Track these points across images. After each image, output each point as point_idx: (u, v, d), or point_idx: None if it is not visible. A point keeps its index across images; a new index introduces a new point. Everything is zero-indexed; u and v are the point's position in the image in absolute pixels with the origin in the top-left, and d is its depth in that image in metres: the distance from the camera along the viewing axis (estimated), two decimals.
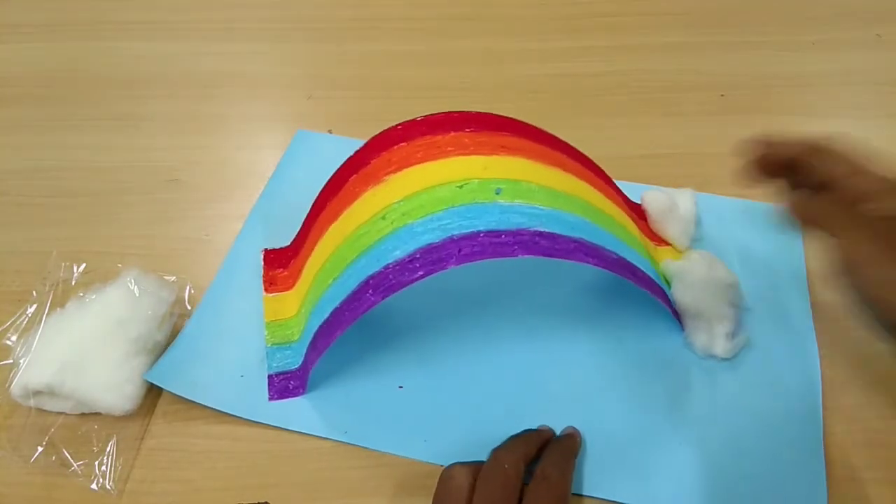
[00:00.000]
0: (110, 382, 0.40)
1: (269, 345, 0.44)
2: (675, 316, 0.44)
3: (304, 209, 0.46)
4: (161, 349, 0.43)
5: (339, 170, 0.44)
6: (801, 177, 0.36)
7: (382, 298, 0.36)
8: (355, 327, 0.37)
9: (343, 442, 0.40)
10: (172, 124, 0.60)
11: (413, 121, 0.42)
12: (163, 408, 0.42)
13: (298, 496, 0.39)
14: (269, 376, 0.42)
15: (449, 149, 0.40)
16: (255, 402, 0.41)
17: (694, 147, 0.57)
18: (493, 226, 0.36)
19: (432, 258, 0.35)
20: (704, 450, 0.39)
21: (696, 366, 0.43)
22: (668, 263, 0.45)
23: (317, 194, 0.45)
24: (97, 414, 0.41)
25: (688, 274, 0.44)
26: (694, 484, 0.38)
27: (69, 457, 0.39)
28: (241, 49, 0.67)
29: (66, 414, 0.41)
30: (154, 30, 0.69)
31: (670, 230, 0.48)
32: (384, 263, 0.37)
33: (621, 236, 0.42)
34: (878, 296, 0.32)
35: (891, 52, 0.66)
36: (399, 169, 0.40)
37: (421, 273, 0.35)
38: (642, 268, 0.41)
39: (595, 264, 0.37)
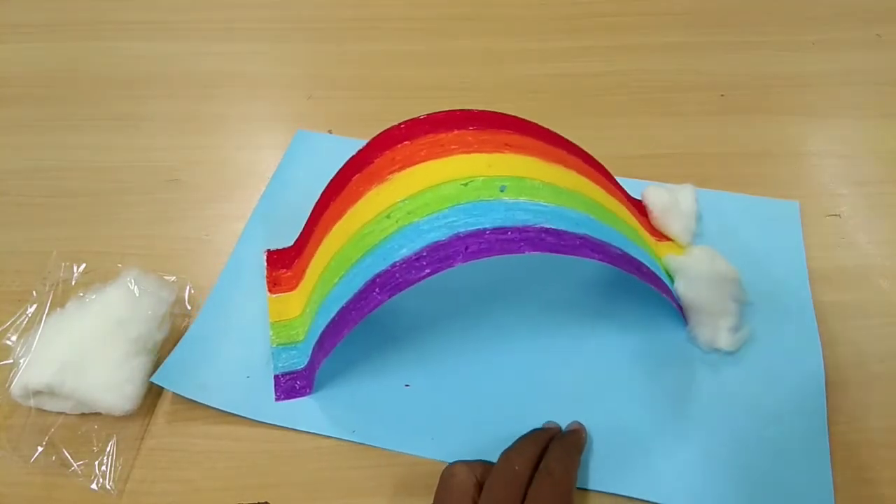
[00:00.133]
0: (110, 382, 0.40)
1: (274, 345, 0.43)
2: (679, 310, 0.44)
3: (306, 209, 0.46)
4: (161, 349, 0.43)
5: (341, 169, 0.44)
6: None
7: (390, 297, 0.36)
8: (361, 327, 0.37)
9: (350, 441, 0.40)
10: (172, 124, 0.59)
11: (416, 119, 0.42)
12: (163, 408, 0.42)
13: (298, 496, 0.39)
14: (276, 377, 0.42)
15: (452, 147, 0.40)
16: (261, 402, 0.41)
17: (694, 147, 0.57)
18: (498, 223, 0.36)
19: (439, 256, 0.35)
20: (709, 443, 0.40)
21: (700, 360, 0.43)
22: (670, 259, 0.46)
23: (318, 194, 0.45)
24: (97, 414, 0.41)
25: (690, 269, 0.44)
26: (699, 477, 0.38)
27: (69, 457, 0.39)
28: (241, 49, 0.67)
29: (66, 414, 0.41)
30: (154, 30, 0.69)
31: (672, 226, 0.48)
32: (391, 262, 0.37)
33: (625, 232, 0.42)
34: None
35: (891, 52, 0.66)
36: (403, 167, 0.40)
37: (428, 271, 0.35)
38: (646, 263, 0.41)
39: (600, 260, 0.37)
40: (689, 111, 0.60)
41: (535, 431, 0.39)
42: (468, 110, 0.42)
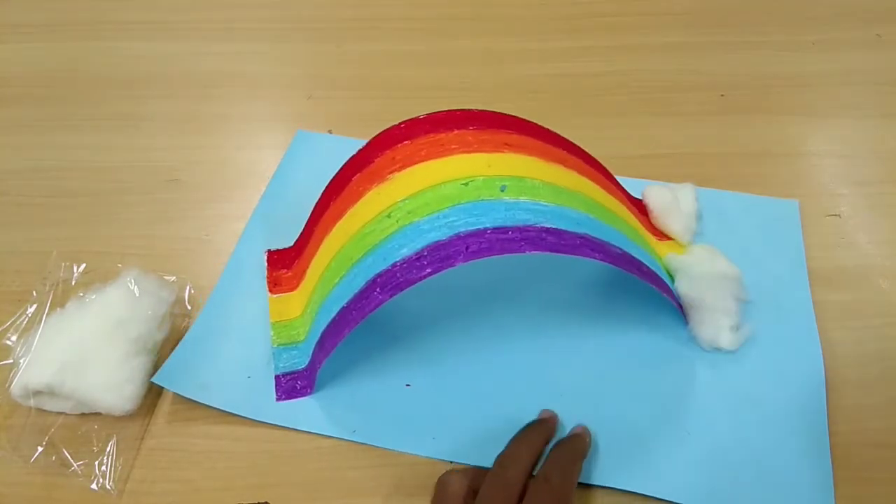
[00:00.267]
0: (110, 382, 0.40)
1: (275, 345, 0.44)
2: (680, 309, 0.44)
3: (306, 210, 0.46)
4: (161, 349, 0.43)
5: (341, 169, 0.44)
6: None
7: (391, 296, 0.36)
8: (362, 327, 0.37)
9: (350, 441, 0.40)
10: (172, 124, 0.59)
11: (416, 119, 0.42)
12: (163, 408, 0.42)
13: (298, 496, 0.39)
14: (277, 377, 0.42)
15: (453, 146, 0.40)
16: (262, 402, 0.41)
17: (694, 147, 0.57)
18: (499, 222, 0.36)
19: (440, 255, 0.36)
20: (710, 441, 0.40)
21: (701, 358, 0.43)
22: (670, 258, 0.46)
23: (318, 194, 0.45)
24: (97, 414, 0.41)
25: (691, 268, 0.45)
26: (699, 474, 0.38)
27: (69, 457, 0.39)
28: (241, 49, 0.67)
29: (66, 414, 0.41)
30: (154, 30, 0.69)
31: (672, 225, 0.48)
32: (391, 262, 0.37)
33: (625, 231, 0.42)
34: None
35: (891, 52, 0.66)
36: (403, 167, 0.40)
37: (429, 270, 0.35)
38: (646, 262, 0.41)
39: (601, 259, 0.37)
40: (689, 111, 0.60)
41: (528, 430, 0.38)
42: (468, 110, 0.42)
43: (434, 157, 0.40)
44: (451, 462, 0.39)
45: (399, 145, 0.41)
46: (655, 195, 0.50)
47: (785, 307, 0.46)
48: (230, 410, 0.41)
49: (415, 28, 0.69)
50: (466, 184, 0.38)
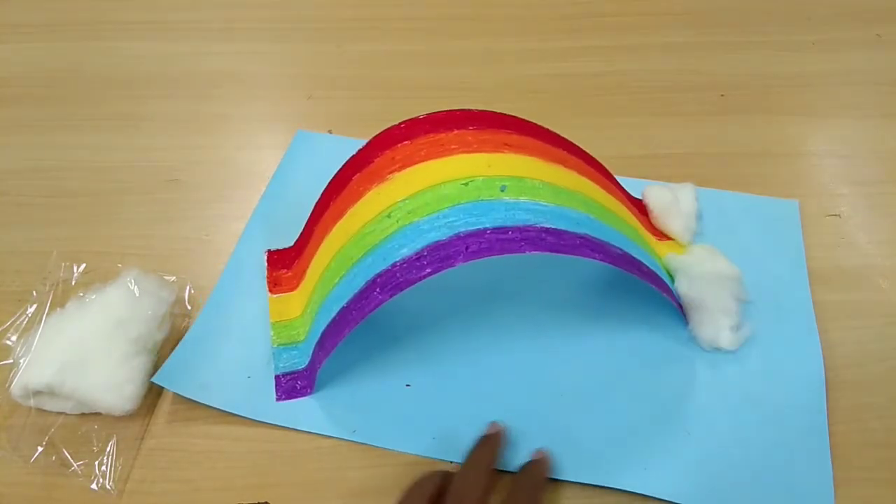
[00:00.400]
0: (110, 382, 0.40)
1: (275, 345, 0.44)
2: (680, 310, 0.44)
3: (306, 210, 0.46)
4: (161, 349, 0.43)
5: (341, 169, 0.44)
6: None
7: (390, 297, 0.36)
8: (362, 326, 0.37)
9: (350, 441, 0.40)
10: (172, 124, 0.60)
11: (416, 119, 0.42)
12: (163, 408, 0.42)
13: (298, 496, 0.39)
14: (277, 377, 0.42)
15: (453, 146, 0.40)
16: (262, 402, 0.41)
17: (694, 147, 0.57)
18: (499, 223, 0.36)
19: (440, 255, 0.36)
20: (710, 441, 0.40)
21: (701, 358, 0.43)
22: (670, 258, 0.46)
23: (318, 194, 0.45)
24: (97, 414, 0.41)
25: (691, 268, 0.45)
26: (699, 474, 0.38)
27: (69, 457, 0.39)
28: (241, 49, 0.67)
29: (66, 414, 0.41)
30: (154, 30, 0.69)
31: (672, 225, 0.48)
32: (391, 262, 0.37)
33: (625, 231, 0.42)
34: None
35: (891, 52, 0.66)
36: (403, 167, 0.40)
37: (429, 270, 0.35)
38: (646, 262, 0.41)
39: (601, 259, 0.38)
40: (689, 111, 0.60)
41: (478, 452, 0.37)
42: (468, 110, 0.42)
43: (434, 157, 0.40)
44: (451, 462, 0.39)
45: (399, 145, 0.41)
46: (655, 195, 0.50)
47: (785, 307, 0.46)
48: (230, 410, 0.41)
49: (415, 28, 0.69)
50: (466, 184, 0.38)
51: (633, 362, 0.43)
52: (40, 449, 0.39)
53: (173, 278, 0.46)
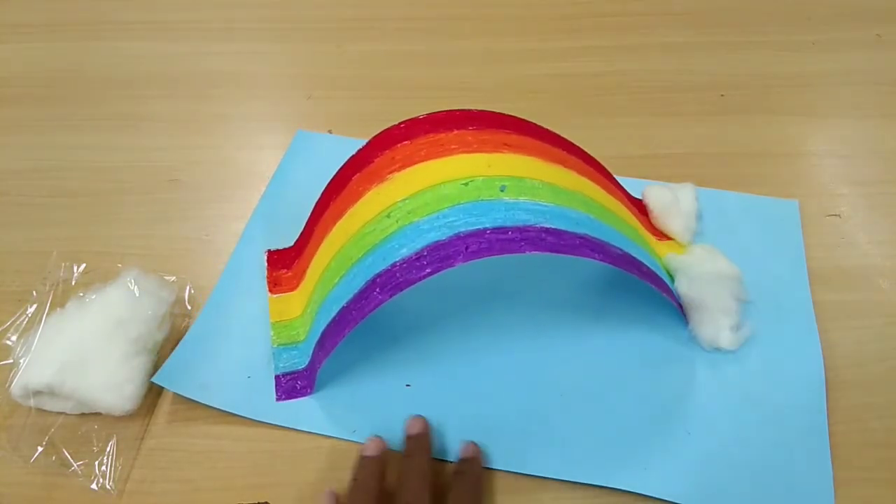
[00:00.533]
0: (110, 382, 0.40)
1: (275, 345, 0.44)
2: (680, 309, 0.44)
3: (306, 210, 0.46)
4: (161, 349, 0.43)
5: (341, 169, 0.44)
6: None
7: (390, 297, 0.36)
8: (362, 326, 0.37)
9: (350, 441, 0.40)
10: (172, 124, 0.60)
11: (416, 119, 0.42)
12: (163, 408, 0.42)
13: (298, 496, 0.39)
14: (277, 377, 0.42)
15: (452, 146, 0.40)
16: (262, 402, 0.41)
17: (694, 147, 0.57)
18: (499, 223, 0.36)
19: (440, 255, 0.36)
20: (710, 441, 0.40)
21: (702, 358, 0.43)
22: (670, 258, 0.46)
23: (318, 194, 0.45)
24: (97, 414, 0.41)
25: (691, 268, 0.45)
26: (700, 474, 0.38)
27: (69, 457, 0.39)
28: (241, 49, 0.67)
29: (66, 414, 0.41)
30: (154, 30, 0.69)
31: (672, 225, 0.48)
32: (391, 262, 0.37)
33: (625, 231, 0.42)
34: None
35: (891, 52, 0.66)
36: (403, 167, 0.40)
37: (429, 270, 0.35)
38: (646, 262, 0.41)
39: (601, 260, 0.38)
40: (689, 111, 0.60)
41: (410, 457, 0.38)
42: (468, 110, 0.42)
43: (434, 157, 0.40)
44: (451, 462, 0.39)
45: (399, 145, 0.41)
46: (655, 195, 0.50)
47: (785, 307, 0.46)
48: (230, 410, 0.41)
49: (415, 28, 0.69)
50: (466, 184, 0.38)
51: (634, 362, 0.43)
52: (40, 449, 0.39)
53: (173, 278, 0.46)
